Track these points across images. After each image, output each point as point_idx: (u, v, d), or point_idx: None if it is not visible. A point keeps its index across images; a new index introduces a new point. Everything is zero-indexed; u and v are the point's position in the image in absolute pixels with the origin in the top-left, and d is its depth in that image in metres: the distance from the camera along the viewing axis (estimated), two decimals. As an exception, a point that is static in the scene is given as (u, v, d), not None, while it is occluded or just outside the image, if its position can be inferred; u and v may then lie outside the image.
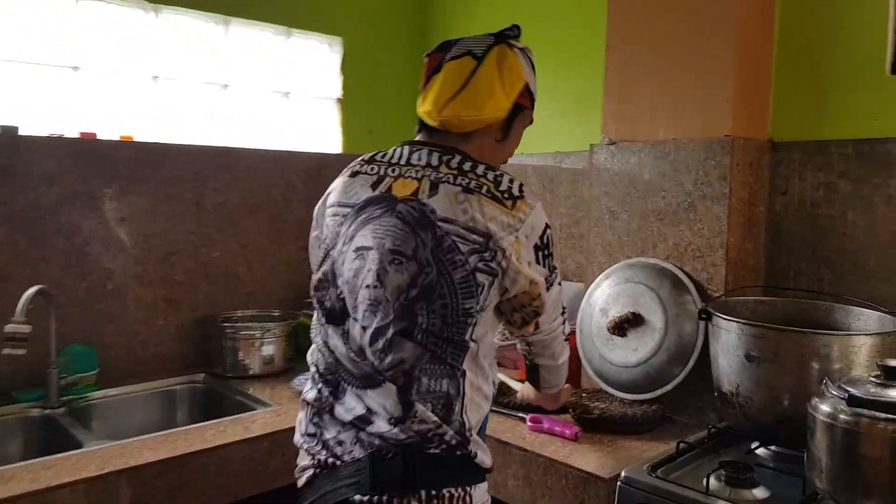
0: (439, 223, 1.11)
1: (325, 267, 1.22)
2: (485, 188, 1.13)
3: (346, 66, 2.62)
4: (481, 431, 1.20)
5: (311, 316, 1.98)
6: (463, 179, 1.14)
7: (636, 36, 1.84)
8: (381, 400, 1.12)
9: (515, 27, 1.30)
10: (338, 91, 2.63)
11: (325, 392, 1.20)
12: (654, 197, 1.80)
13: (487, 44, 1.24)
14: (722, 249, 1.68)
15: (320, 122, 2.62)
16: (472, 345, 1.13)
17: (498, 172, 1.17)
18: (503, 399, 1.82)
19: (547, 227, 1.19)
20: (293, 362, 2.24)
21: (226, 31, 2.33)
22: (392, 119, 2.76)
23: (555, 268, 1.23)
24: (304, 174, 2.49)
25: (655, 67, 1.80)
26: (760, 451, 1.46)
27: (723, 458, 1.38)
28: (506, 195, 1.14)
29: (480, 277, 1.11)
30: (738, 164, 1.68)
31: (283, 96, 2.52)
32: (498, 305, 1.18)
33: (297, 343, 2.30)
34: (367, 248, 1.14)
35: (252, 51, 2.41)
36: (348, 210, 1.19)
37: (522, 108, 1.28)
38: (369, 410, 1.13)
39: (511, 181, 1.17)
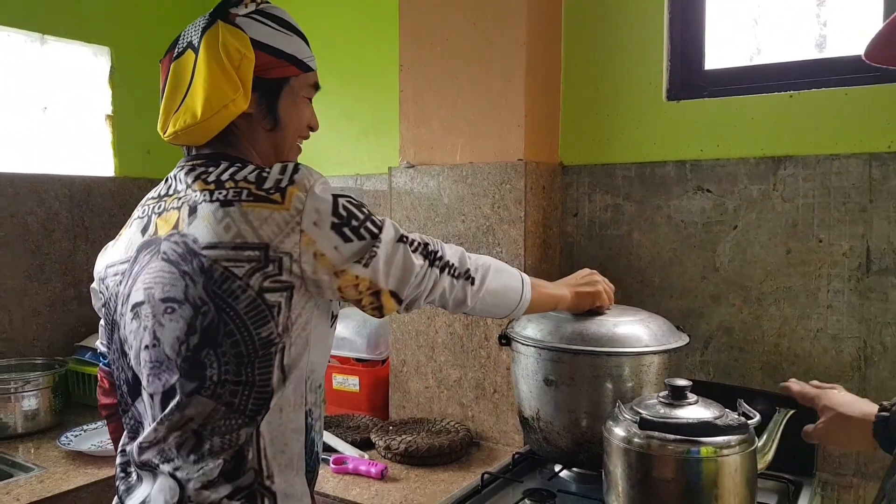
0: (204, 252, 0.94)
1: (115, 335, 1.04)
2: (245, 193, 0.96)
3: (117, 79, 2.35)
4: (309, 470, 1.03)
5: (83, 360, 1.72)
6: (220, 193, 0.97)
7: (428, 59, 1.81)
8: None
9: None
10: (107, 106, 2.35)
11: (121, 488, 1.04)
12: (455, 221, 1.77)
13: (202, 27, 1.03)
14: (521, 272, 1.68)
15: (88, 141, 2.32)
16: (276, 376, 0.96)
17: (264, 169, 0.99)
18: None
19: (337, 197, 0.98)
20: (63, 416, 1.94)
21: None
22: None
23: (375, 231, 0.98)
24: (69, 201, 2.19)
25: (449, 91, 1.78)
26: (564, 475, 1.46)
27: (527, 485, 1.35)
28: (272, 191, 0.95)
29: (272, 297, 0.94)
30: (531, 188, 1.70)
31: (41, 111, 2.20)
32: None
33: (67, 393, 2.00)
34: (140, 304, 0.98)
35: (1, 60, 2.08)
36: (125, 266, 1.02)
37: (283, 80, 1.08)
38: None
39: (283, 170, 0.98)
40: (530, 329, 1.41)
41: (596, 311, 1.37)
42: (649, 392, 1.33)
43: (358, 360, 1.94)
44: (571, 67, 1.83)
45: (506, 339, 1.46)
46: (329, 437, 1.68)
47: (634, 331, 1.35)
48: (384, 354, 1.93)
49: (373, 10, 2.18)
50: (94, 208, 2.25)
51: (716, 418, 1.11)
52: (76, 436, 1.77)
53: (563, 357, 1.35)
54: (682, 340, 1.41)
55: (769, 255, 1.62)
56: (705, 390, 1.21)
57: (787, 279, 1.60)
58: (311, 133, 1.16)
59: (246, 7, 1.05)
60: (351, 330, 1.96)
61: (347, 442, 1.69)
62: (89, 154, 2.33)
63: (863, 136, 1.53)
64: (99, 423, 1.80)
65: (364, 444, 1.69)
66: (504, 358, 1.69)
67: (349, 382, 1.93)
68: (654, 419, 1.10)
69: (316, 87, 1.14)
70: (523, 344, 1.40)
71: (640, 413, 1.13)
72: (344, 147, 2.29)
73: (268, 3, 1.09)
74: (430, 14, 1.80)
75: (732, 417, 1.13)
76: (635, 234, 1.76)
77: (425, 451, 1.59)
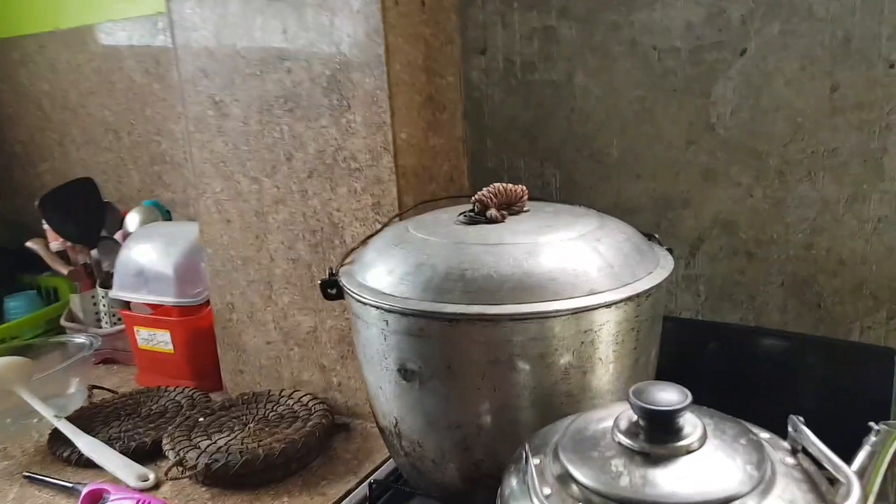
0: None
1: None
2: None
3: None
4: None
5: None
6: None
7: None
8: None
9: None
10: None
11: None
12: (275, 73, 1.04)
13: None
14: (388, 154, 0.99)
15: None
16: None
17: None
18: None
19: None
20: None
21: None
22: None
23: None
24: None
25: None
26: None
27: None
28: None
29: None
30: (399, 3, 0.97)
31: None
32: None
33: None
34: None
35: None
36: None
37: None
38: None
39: None
40: (372, 270, 0.74)
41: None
42: (600, 380, 0.69)
43: (166, 305, 1.27)
44: None
45: (334, 288, 0.79)
46: (93, 446, 1.03)
47: (571, 260, 0.69)
48: (204, 295, 1.26)
49: None
50: None
51: (753, 489, 0.47)
52: None
53: (428, 328, 0.68)
54: (660, 266, 0.75)
55: (800, 97, 0.94)
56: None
57: (830, 135, 0.94)
58: None
59: None
60: (149, 258, 1.27)
61: (117, 448, 1.04)
62: None
63: None
64: None
65: (155, 452, 1.06)
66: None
67: (158, 339, 1.27)
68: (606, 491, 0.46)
69: None
70: (359, 300, 0.73)
71: (580, 481, 0.48)
72: None
73: None
74: None
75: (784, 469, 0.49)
76: (579, 75, 1.06)
77: (239, 468, 0.95)
